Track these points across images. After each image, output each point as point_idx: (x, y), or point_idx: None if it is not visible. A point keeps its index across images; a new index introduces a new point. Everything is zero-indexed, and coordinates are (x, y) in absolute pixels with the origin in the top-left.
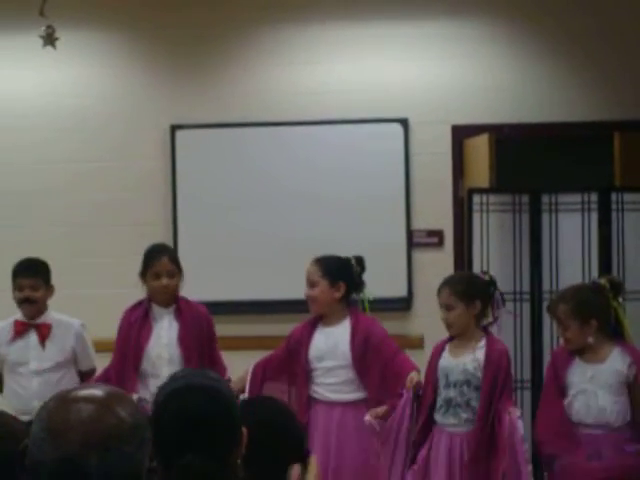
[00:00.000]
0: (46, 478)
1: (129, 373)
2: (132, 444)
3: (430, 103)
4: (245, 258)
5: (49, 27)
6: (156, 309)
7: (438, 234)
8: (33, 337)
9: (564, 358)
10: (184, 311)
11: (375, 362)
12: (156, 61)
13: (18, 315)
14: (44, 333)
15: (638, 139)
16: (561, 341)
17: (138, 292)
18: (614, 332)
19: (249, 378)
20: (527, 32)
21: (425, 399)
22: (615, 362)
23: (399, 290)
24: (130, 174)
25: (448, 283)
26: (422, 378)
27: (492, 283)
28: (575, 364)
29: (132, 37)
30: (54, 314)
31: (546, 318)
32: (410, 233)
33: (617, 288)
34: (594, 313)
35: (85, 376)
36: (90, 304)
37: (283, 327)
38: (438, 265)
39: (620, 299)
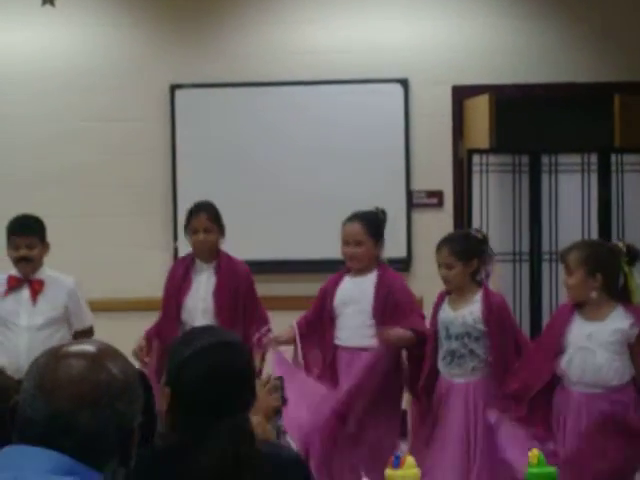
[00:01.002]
0: (36, 434)
1: (170, 324)
2: (123, 400)
3: (430, 63)
4: (245, 218)
5: None
6: (198, 264)
7: (438, 195)
8: (25, 292)
9: (566, 315)
10: (223, 267)
11: (392, 315)
12: (155, 20)
13: (12, 271)
14: (36, 289)
15: (638, 101)
16: (560, 300)
17: (136, 252)
18: (621, 296)
19: (297, 333)
20: None
21: (429, 349)
22: (616, 321)
23: (399, 251)
24: (129, 134)
25: (447, 242)
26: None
27: (485, 241)
28: (575, 321)
29: None
30: (48, 271)
31: (545, 278)
32: (410, 194)
33: (634, 256)
34: (601, 268)
35: (81, 335)
36: (88, 264)
37: (290, 287)
38: (438, 226)
39: (633, 267)
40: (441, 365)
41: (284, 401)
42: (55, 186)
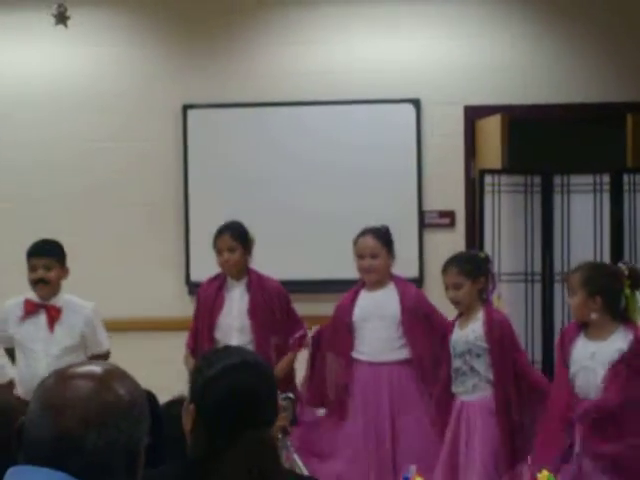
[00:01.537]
0: (43, 455)
1: (203, 342)
2: (130, 420)
3: (442, 84)
4: (258, 238)
5: (61, 5)
6: (230, 281)
7: (450, 215)
8: (42, 319)
9: (572, 333)
10: (254, 284)
11: (425, 326)
12: (168, 40)
13: (30, 294)
14: (53, 316)
15: None
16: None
17: (148, 272)
18: (623, 317)
19: (310, 344)
20: (540, 12)
21: (444, 371)
22: (617, 341)
23: (410, 271)
24: (141, 154)
25: (454, 262)
26: None
27: (489, 260)
28: (579, 340)
29: (144, 16)
30: (66, 296)
31: (557, 299)
32: (422, 214)
33: (636, 279)
34: (601, 291)
35: (95, 359)
36: (100, 284)
37: (298, 307)
38: (449, 246)
39: (637, 291)
40: (453, 386)
41: (294, 421)
42: (69, 206)
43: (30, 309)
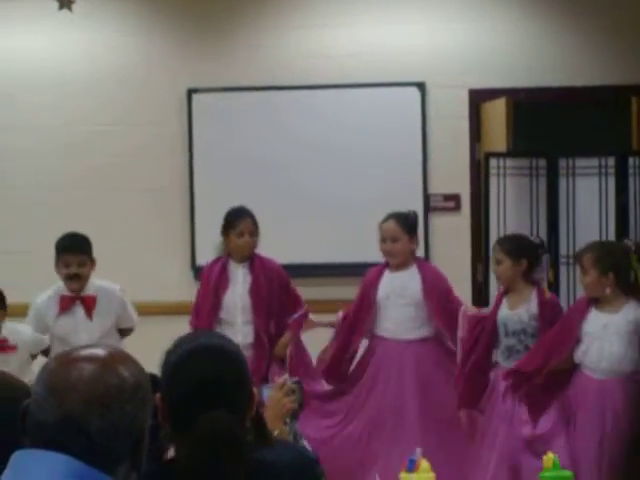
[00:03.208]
0: (47, 438)
1: (209, 321)
2: (134, 403)
3: (447, 67)
4: (261, 221)
5: None
6: (233, 264)
7: (455, 198)
8: (80, 311)
9: (582, 309)
10: (257, 266)
11: (444, 305)
12: (172, 24)
13: (60, 286)
14: (90, 306)
15: None
16: None
17: (154, 255)
18: (633, 290)
19: (337, 324)
20: None
21: (484, 343)
22: (629, 313)
23: (416, 254)
24: (147, 138)
25: (500, 241)
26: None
27: (541, 246)
28: (591, 314)
29: (149, 0)
30: (96, 282)
31: (562, 281)
32: (427, 197)
33: None
34: (614, 267)
35: (123, 333)
36: (106, 267)
37: (304, 290)
38: (455, 229)
39: None
40: (500, 358)
41: (301, 405)
42: (74, 190)
43: (67, 304)
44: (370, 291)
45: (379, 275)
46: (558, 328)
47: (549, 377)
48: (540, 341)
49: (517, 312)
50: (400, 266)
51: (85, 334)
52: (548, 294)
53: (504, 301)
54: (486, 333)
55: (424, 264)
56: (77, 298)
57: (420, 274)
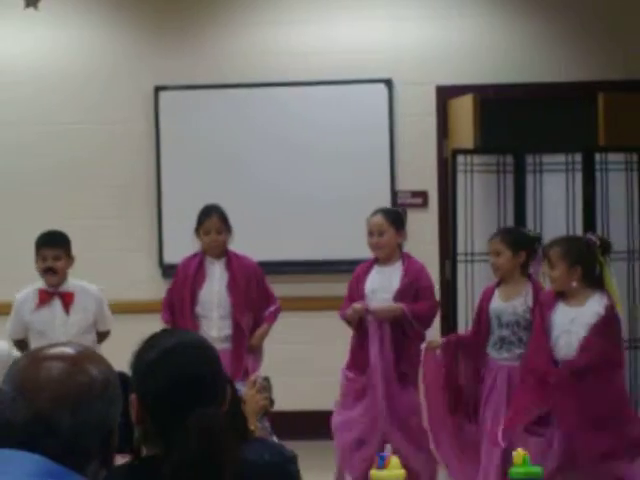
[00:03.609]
0: (17, 437)
1: (185, 316)
2: (103, 400)
3: (414, 64)
4: (230, 219)
5: None
6: (209, 260)
7: (422, 195)
8: (57, 305)
9: (549, 301)
10: (233, 263)
11: (413, 300)
12: (139, 22)
13: (40, 283)
14: (68, 300)
15: (622, 99)
16: None
17: (120, 254)
18: (597, 283)
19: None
20: None
21: (479, 335)
22: (594, 305)
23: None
24: (113, 136)
25: (499, 232)
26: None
27: (538, 239)
28: (558, 307)
29: None
30: (74, 281)
31: None
32: (395, 194)
33: (606, 247)
34: (580, 261)
35: (99, 336)
36: (74, 267)
37: (275, 287)
38: (422, 226)
39: (607, 258)
40: (492, 350)
41: (271, 402)
42: (40, 188)
43: (45, 297)
44: (358, 285)
45: (367, 270)
46: (539, 327)
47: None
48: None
49: (512, 303)
50: (387, 260)
51: (62, 328)
52: (545, 287)
53: (497, 293)
54: (480, 326)
55: (410, 260)
56: (55, 293)
57: (403, 270)
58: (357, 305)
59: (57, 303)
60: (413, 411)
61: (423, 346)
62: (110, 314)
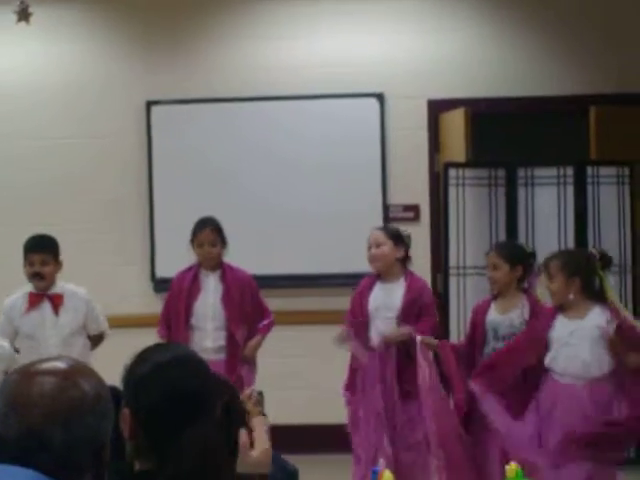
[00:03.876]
0: (10, 452)
1: (179, 329)
2: (95, 415)
3: (406, 78)
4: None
5: (23, 2)
6: (204, 272)
7: (414, 209)
8: (47, 307)
9: (549, 316)
10: (228, 275)
11: (415, 319)
12: (131, 36)
13: (30, 287)
14: (57, 303)
15: (613, 113)
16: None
17: (112, 268)
18: (597, 296)
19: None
20: (503, 6)
21: (472, 346)
22: (594, 318)
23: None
24: (105, 150)
25: (497, 246)
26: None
27: (533, 255)
28: (558, 321)
29: (106, 12)
30: (63, 284)
31: None
32: (386, 208)
33: (605, 261)
34: (579, 272)
35: (93, 339)
36: (64, 279)
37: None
38: (414, 240)
39: (607, 272)
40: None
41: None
42: (32, 202)
43: (34, 300)
44: (362, 300)
45: (371, 286)
46: (525, 335)
47: (522, 378)
48: (507, 346)
49: (509, 316)
50: (388, 276)
51: (52, 330)
52: (540, 301)
53: (493, 306)
54: (474, 340)
55: (413, 277)
56: (45, 295)
57: (405, 287)
58: (343, 332)
59: (46, 305)
60: (414, 427)
61: (418, 339)
62: (101, 316)
